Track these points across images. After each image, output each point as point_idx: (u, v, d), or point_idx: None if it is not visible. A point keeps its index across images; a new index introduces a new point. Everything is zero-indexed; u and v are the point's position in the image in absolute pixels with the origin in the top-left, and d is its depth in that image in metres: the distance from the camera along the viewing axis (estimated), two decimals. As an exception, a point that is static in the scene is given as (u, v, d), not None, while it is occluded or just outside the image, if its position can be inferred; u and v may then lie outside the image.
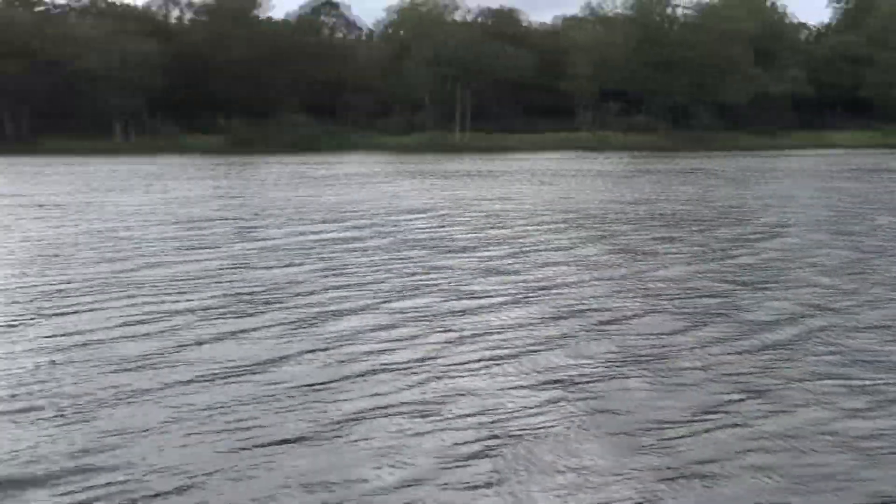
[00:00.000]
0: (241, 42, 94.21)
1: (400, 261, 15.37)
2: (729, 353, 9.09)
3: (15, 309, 11.28)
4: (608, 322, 10.50)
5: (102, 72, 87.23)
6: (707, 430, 6.90)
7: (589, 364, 8.69)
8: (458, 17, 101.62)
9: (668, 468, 6.17)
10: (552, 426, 6.98)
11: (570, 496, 5.72)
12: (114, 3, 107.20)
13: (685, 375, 8.32)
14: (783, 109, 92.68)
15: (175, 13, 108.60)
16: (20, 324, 10.41)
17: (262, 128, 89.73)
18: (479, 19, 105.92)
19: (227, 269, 14.43)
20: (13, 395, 7.68)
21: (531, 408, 7.43)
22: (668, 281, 13.23)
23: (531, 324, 10.56)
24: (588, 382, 8.13)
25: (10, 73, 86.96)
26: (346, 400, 7.61)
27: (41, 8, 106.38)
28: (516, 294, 12.40)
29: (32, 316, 10.85)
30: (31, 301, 11.84)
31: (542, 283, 13.22)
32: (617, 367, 8.64)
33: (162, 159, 66.97)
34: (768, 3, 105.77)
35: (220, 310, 11.05)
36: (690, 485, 5.90)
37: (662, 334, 9.94)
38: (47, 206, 27.00)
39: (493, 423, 7.05)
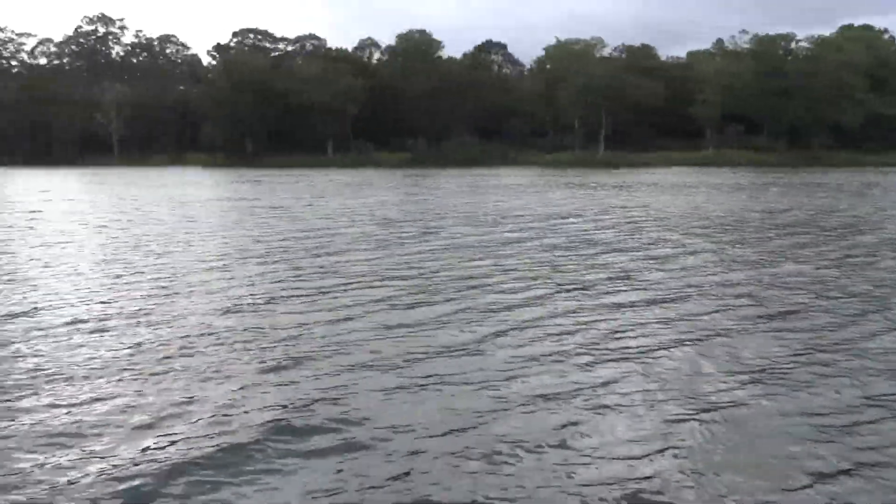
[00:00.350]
0: (424, 77, 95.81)
1: (565, 256, 14.91)
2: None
3: (261, 290, 11.57)
4: (773, 316, 9.60)
5: (319, 103, 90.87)
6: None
7: (779, 352, 7.93)
8: (602, 53, 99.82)
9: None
10: (754, 409, 6.31)
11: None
12: (329, 49, 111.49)
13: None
14: (894, 130, 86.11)
15: (375, 55, 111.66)
16: (264, 304, 10.66)
17: (438, 147, 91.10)
18: (621, 55, 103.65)
19: (417, 261, 14.54)
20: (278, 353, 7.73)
21: (733, 390, 6.78)
22: (818, 282, 12.12)
23: (705, 313, 9.80)
24: (780, 370, 7.35)
25: (248, 104, 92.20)
26: (535, 379, 7.13)
27: (274, 54, 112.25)
28: (683, 286, 11.66)
29: (279, 298, 11.01)
30: (276, 283, 12.09)
31: (701, 278, 12.45)
32: (802, 355, 7.85)
33: (361, 172, 69.03)
34: (885, 37, 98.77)
35: (415, 296, 10.93)
36: None
37: (830, 328, 8.99)
38: (278, 208, 28.36)
39: (690, 406, 6.42)
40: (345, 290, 11.36)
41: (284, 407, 6.34)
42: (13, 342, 8.43)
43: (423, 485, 4.97)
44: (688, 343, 8.36)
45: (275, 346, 8.17)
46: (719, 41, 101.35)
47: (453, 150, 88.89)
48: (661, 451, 5.48)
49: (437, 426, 5.95)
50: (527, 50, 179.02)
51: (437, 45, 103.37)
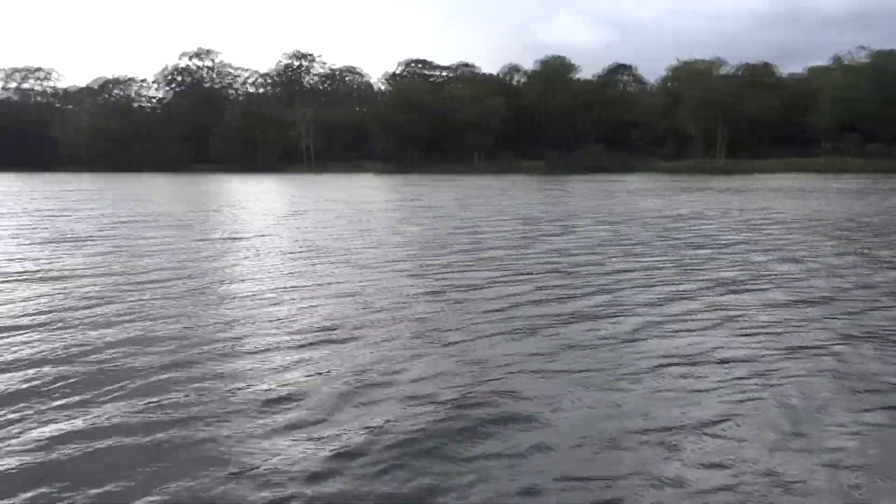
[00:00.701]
0: (560, 96, 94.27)
1: (693, 254, 13.80)
2: None
3: (426, 280, 11.42)
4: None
5: (469, 120, 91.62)
6: None
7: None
8: (723, 70, 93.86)
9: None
10: None
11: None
12: (479, 74, 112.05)
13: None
14: None
15: (518, 78, 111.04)
16: (434, 292, 10.53)
17: (569, 156, 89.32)
18: (740, 72, 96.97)
19: (560, 256, 14.06)
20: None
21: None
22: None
23: (852, 312, 8.63)
24: None
25: (411, 121, 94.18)
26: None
27: (433, 79, 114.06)
28: (818, 285, 10.45)
29: (441, 287, 10.89)
30: (438, 274, 11.89)
31: (837, 278, 11.11)
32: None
33: (503, 178, 68.64)
34: None
35: (564, 290, 10.45)
36: None
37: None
38: (435, 208, 28.49)
39: (841, 402, 5.67)
40: (503, 282, 11.01)
41: (460, 389, 5.98)
42: (231, 307, 8.59)
43: (591, 466, 4.54)
44: (836, 341, 7.32)
45: (436, 332, 7.80)
46: (837, 57, 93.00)
47: (582, 159, 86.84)
48: (810, 444, 4.72)
49: (599, 412, 5.47)
50: (652, 70, 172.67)
51: (573, 68, 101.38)
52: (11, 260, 13.14)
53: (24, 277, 11.17)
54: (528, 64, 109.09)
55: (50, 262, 12.74)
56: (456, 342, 7.28)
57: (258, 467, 4.45)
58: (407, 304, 9.19)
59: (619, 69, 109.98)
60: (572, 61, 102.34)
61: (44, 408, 5.37)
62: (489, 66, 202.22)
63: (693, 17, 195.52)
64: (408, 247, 15.34)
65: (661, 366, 6.47)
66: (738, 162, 77.81)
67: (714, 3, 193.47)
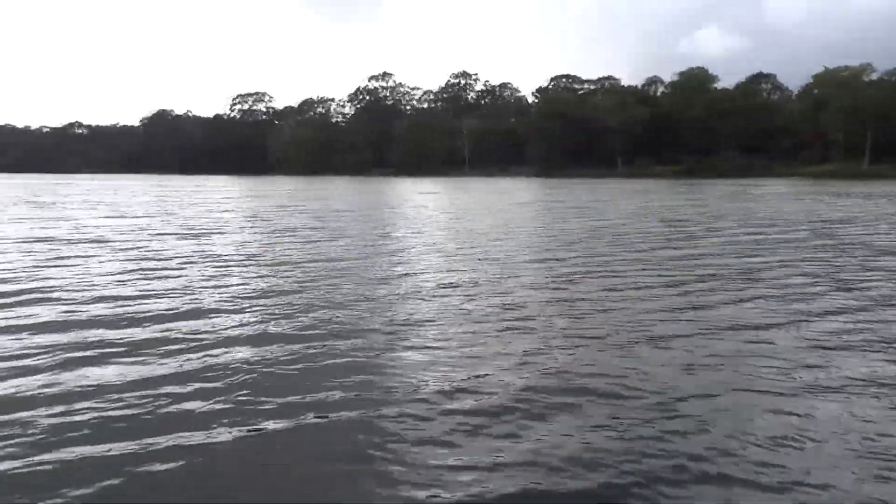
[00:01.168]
0: (699, 104, 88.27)
1: (841, 257, 12.14)
2: None
3: (566, 271, 10.85)
4: None
5: (612, 127, 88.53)
6: None
7: None
8: (871, 76, 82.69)
9: None
10: None
11: None
12: (622, 86, 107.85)
13: None
14: None
15: (657, 88, 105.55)
16: (566, 282, 10.15)
17: (706, 161, 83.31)
18: (892, 77, 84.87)
19: (702, 255, 13.10)
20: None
21: None
22: None
23: None
24: None
25: (556, 129, 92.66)
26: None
27: (579, 91, 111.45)
28: None
29: (579, 277, 10.38)
30: (578, 266, 11.32)
31: None
32: None
33: (643, 181, 65.61)
34: None
35: (706, 282, 9.63)
36: None
37: None
38: (583, 208, 27.77)
39: None
40: (642, 271, 10.47)
41: (594, 372, 5.62)
42: (395, 295, 8.65)
43: (712, 456, 4.10)
44: None
45: (576, 320, 7.42)
46: None
47: (721, 163, 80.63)
48: None
49: (728, 404, 4.92)
50: (792, 76, 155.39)
51: (713, 78, 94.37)
52: (243, 245, 14.47)
53: (252, 262, 12.07)
54: (668, 76, 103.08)
55: (269, 250, 13.85)
56: (624, 345, 6.53)
57: (446, 455, 4.07)
58: (564, 300, 8.90)
59: (760, 77, 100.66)
60: (712, 71, 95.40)
61: (267, 384, 5.30)
62: (630, 78, 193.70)
63: (836, 23, 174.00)
64: (565, 246, 14.97)
65: (799, 364, 5.78)
66: (882, 167, 68.35)
67: (857, 8, 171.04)
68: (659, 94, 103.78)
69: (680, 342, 6.58)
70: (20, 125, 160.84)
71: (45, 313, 7.54)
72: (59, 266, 11.03)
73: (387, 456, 4.07)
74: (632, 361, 5.94)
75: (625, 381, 5.39)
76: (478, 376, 5.48)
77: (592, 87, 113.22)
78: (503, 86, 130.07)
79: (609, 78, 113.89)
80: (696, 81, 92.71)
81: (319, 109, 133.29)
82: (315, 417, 4.66)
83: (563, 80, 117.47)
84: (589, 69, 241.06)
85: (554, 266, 11.55)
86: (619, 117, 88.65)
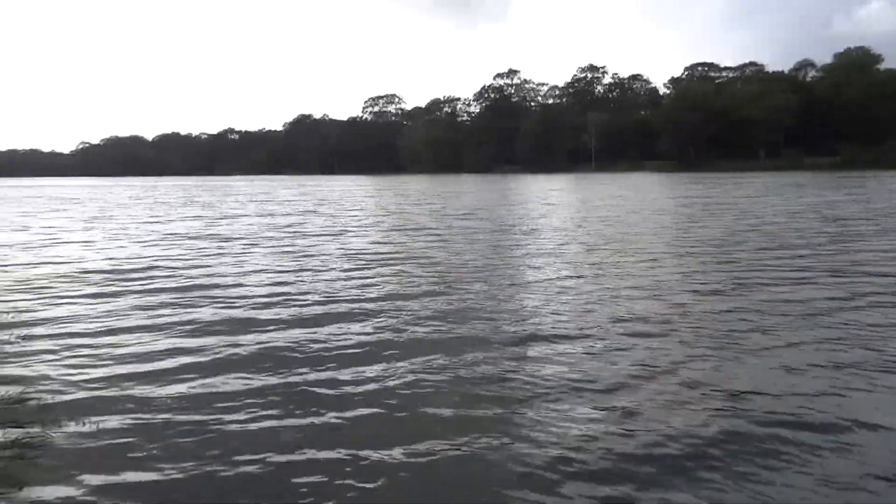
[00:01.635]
0: (859, 88, 78.58)
1: None
2: None
3: (712, 277, 9.71)
4: None
5: (755, 117, 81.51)
6: None
7: None
8: None
9: None
10: None
11: None
12: (767, 72, 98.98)
13: None
14: None
15: (810, 73, 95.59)
16: (707, 293, 9.02)
17: (871, 151, 73.88)
18: None
19: (878, 259, 11.16)
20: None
21: None
22: None
23: None
24: None
25: (693, 121, 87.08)
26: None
27: (718, 80, 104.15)
28: None
29: (717, 286, 9.16)
30: (721, 273, 10.01)
31: None
32: None
33: (791, 175, 59.53)
34: None
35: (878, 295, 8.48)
36: None
37: None
38: (726, 205, 25.38)
39: None
40: (813, 285, 9.02)
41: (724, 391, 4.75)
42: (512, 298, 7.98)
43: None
44: None
45: (704, 328, 6.43)
46: None
47: (888, 154, 71.19)
48: None
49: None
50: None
51: (877, 58, 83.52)
52: (374, 244, 14.28)
53: (378, 259, 11.76)
54: (819, 58, 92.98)
55: (392, 247, 13.57)
56: (769, 347, 5.77)
57: (562, 454, 3.79)
58: (706, 300, 7.85)
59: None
60: (876, 51, 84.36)
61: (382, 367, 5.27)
62: (775, 64, 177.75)
63: None
64: (703, 244, 13.55)
65: None
66: None
67: None
68: (809, 78, 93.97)
69: (828, 346, 5.62)
70: (183, 132, 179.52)
71: (206, 310, 7.51)
72: (223, 262, 11.52)
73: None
74: (779, 371, 5.07)
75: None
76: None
77: (732, 74, 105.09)
78: (633, 77, 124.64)
79: (751, 64, 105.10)
80: (857, 63, 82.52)
81: (447, 109, 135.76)
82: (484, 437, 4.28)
83: (700, 68, 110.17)
84: (729, 56, 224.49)
85: (694, 272, 10.38)
86: (763, 106, 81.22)
